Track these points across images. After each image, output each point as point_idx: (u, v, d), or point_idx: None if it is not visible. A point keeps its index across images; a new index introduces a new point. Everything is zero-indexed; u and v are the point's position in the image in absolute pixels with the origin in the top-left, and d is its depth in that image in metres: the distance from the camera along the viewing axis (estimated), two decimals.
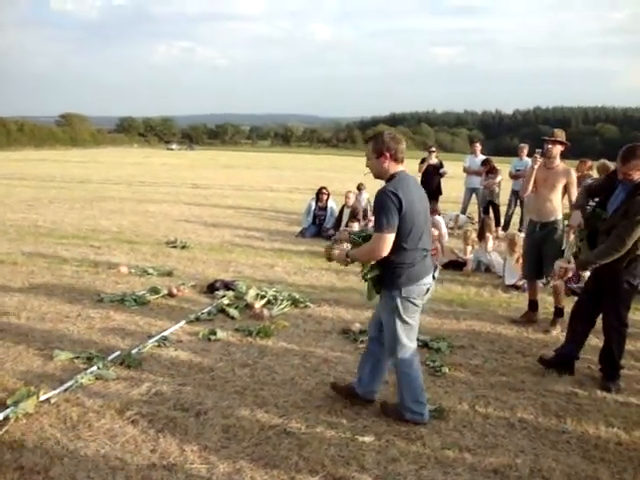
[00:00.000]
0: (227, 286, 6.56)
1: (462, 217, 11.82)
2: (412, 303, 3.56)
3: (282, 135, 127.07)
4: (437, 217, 9.95)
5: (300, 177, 27.50)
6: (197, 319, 5.61)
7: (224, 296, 6.28)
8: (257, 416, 3.76)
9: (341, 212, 10.76)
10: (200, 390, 4.10)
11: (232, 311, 5.79)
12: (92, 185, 20.22)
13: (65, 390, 4.02)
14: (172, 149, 79.64)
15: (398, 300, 3.54)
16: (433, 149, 12.55)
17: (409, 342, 3.68)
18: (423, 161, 12.32)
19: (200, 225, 11.52)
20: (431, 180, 12.03)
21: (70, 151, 61.95)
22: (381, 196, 3.40)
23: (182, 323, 5.48)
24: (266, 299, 6.14)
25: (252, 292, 6.18)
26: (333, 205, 11.10)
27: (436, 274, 3.69)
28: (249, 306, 5.93)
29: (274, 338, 5.20)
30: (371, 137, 3.67)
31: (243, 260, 8.41)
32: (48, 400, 3.87)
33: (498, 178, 11.50)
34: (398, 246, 3.45)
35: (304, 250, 9.37)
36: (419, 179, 12.47)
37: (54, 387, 4.07)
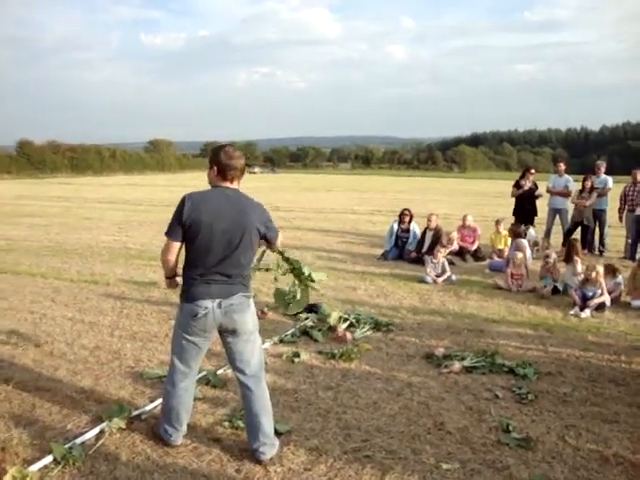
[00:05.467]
0: (310, 308, 6.62)
1: (531, 233, 11.38)
2: (190, 323, 3.41)
3: (363, 157, 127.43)
4: (521, 240, 9.72)
5: (381, 199, 27.47)
6: (281, 341, 5.69)
7: (307, 318, 6.35)
8: (340, 439, 3.77)
9: (424, 234, 10.67)
10: (284, 412, 4.14)
11: (315, 333, 5.84)
12: None
13: (155, 407, 4.14)
14: (255, 172, 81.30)
15: (180, 313, 3.48)
16: (533, 171, 12.08)
17: (178, 363, 3.55)
18: (517, 184, 12.00)
19: (283, 248, 11.67)
20: (524, 202, 11.74)
21: (157, 176, 64.26)
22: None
23: (266, 345, 5.55)
24: (349, 322, 6.16)
25: (335, 315, 6.20)
26: (416, 227, 11.01)
27: (228, 302, 3.39)
28: (332, 329, 5.97)
29: (357, 361, 5.21)
30: (214, 147, 3.55)
31: (326, 282, 8.45)
32: (139, 416, 4.02)
33: (590, 200, 11.15)
34: (187, 259, 3.43)
35: (387, 273, 9.34)
36: (513, 202, 12.11)
37: (144, 404, 4.22)
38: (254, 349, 3.57)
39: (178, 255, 3.48)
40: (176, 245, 3.40)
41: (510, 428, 3.92)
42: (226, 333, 3.50)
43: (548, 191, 11.99)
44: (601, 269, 7.42)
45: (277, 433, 3.67)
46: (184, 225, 3.30)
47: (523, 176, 11.97)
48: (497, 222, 11.14)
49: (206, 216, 3.28)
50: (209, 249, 3.32)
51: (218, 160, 3.36)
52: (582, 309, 7.03)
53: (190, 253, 3.40)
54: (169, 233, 3.37)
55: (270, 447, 3.50)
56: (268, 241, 3.64)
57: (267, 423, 3.53)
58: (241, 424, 3.84)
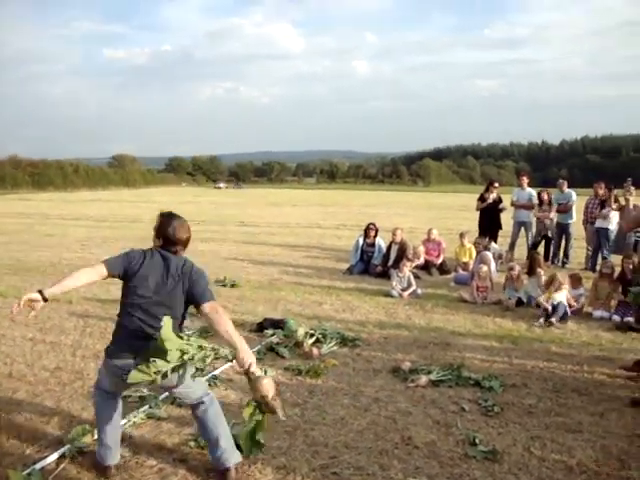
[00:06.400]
0: (276, 324, 6.58)
1: (494, 246, 11.44)
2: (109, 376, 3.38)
3: (328, 171, 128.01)
4: (486, 253, 9.83)
5: (347, 213, 27.58)
6: None
7: (273, 334, 6.30)
8: (307, 457, 3.74)
9: (389, 248, 10.71)
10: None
11: (282, 350, 5.80)
12: (143, 224, 20.64)
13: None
14: (220, 187, 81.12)
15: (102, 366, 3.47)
16: (496, 185, 12.24)
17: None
18: (481, 197, 12.19)
19: (249, 263, 11.63)
20: (489, 216, 11.90)
21: (122, 191, 63.61)
22: None
23: (233, 362, 5.49)
24: (315, 337, 6.13)
25: (301, 330, 6.16)
26: (381, 242, 11.06)
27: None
28: (298, 345, 5.93)
29: (324, 377, 5.19)
30: (162, 215, 3.55)
31: (292, 298, 8.45)
32: None
33: (553, 212, 11.40)
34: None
35: (352, 287, 9.35)
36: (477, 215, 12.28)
37: None
38: (188, 390, 3.44)
39: None
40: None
41: (477, 441, 3.94)
42: None
43: (512, 204, 12.16)
44: (559, 276, 7.58)
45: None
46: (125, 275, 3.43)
47: (487, 190, 12.14)
48: (461, 235, 11.25)
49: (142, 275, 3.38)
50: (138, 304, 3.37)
51: (165, 234, 3.42)
52: (547, 318, 7.12)
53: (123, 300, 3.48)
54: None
55: (231, 454, 3.47)
56: (195, 301, 3.35)
57: (226, 432, 3.51)
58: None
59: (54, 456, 3.65)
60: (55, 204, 35.30)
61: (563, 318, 7.20)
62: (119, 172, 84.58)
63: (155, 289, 3.32)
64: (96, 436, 3.57)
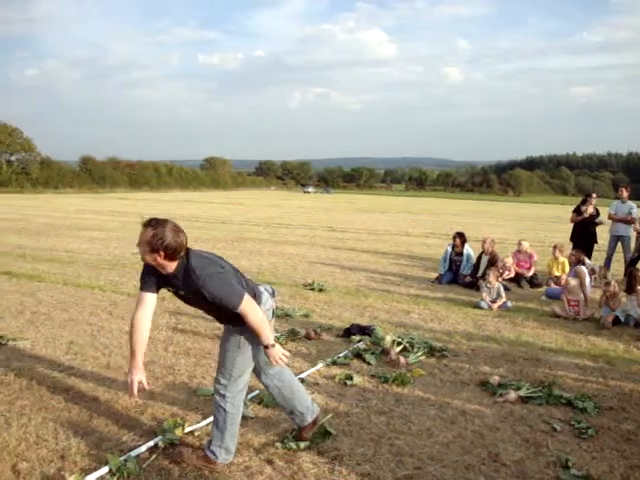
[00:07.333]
0: (363, 331, 6.58)
1: (587, 262, 10.98)
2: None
3: (416, 179, 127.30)
4: (581, 267, 9.47)
5: (435, 222, 27.28)
6: (334, 363, 5.64)
7: (360, 341, 6.31)
8: (392, 466, 3.71)
9: (479, 259, 10.50)
10: (336, 435, 4.11)
11: (368, 356, 5.78)
12: (233, 226, 21.16)
13: (207, 424, 4.15)
14: (309, 192, 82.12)
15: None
16: (594, 196, 11.91)
17: (245, 378, 3.76)
18: (577, 210, 11.80)
19: (336, 268, 11.68)
20: (585, 228, 11.52)
21: (212, 193, 65.35)
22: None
23: (319, 366, 5.53)
24: (402, 346, 6.09)
25: (389, 338, 6.13)
26: (470, 251, 10.86)
27: None
28: (385, 352, 5.90)
29: (410, 386, 5.13)
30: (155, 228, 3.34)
31: (379, 305, 8.42)
32: (192, 432, 4.04)
33: None
34: None
35: (441, 297, 9.23)
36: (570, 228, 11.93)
37: (197, 420, 4.25)
38: None
39: None
40: None
41: (569, 464, 3.77)
42: None
43: (610, 217, 11.68)
44: None
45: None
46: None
47: (584, 202, 11.73)
48: (555, 248, 10.89)
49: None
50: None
51: (166, 245, 3.33)
52: None
53: None
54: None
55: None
56: None
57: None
58: (294, 446, 3.82)
59: (148, 445, 3.79)
60: (150, 203, 36.72)
61: None
62: (210, 174, 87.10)
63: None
64: (212, 436, 3.64)
